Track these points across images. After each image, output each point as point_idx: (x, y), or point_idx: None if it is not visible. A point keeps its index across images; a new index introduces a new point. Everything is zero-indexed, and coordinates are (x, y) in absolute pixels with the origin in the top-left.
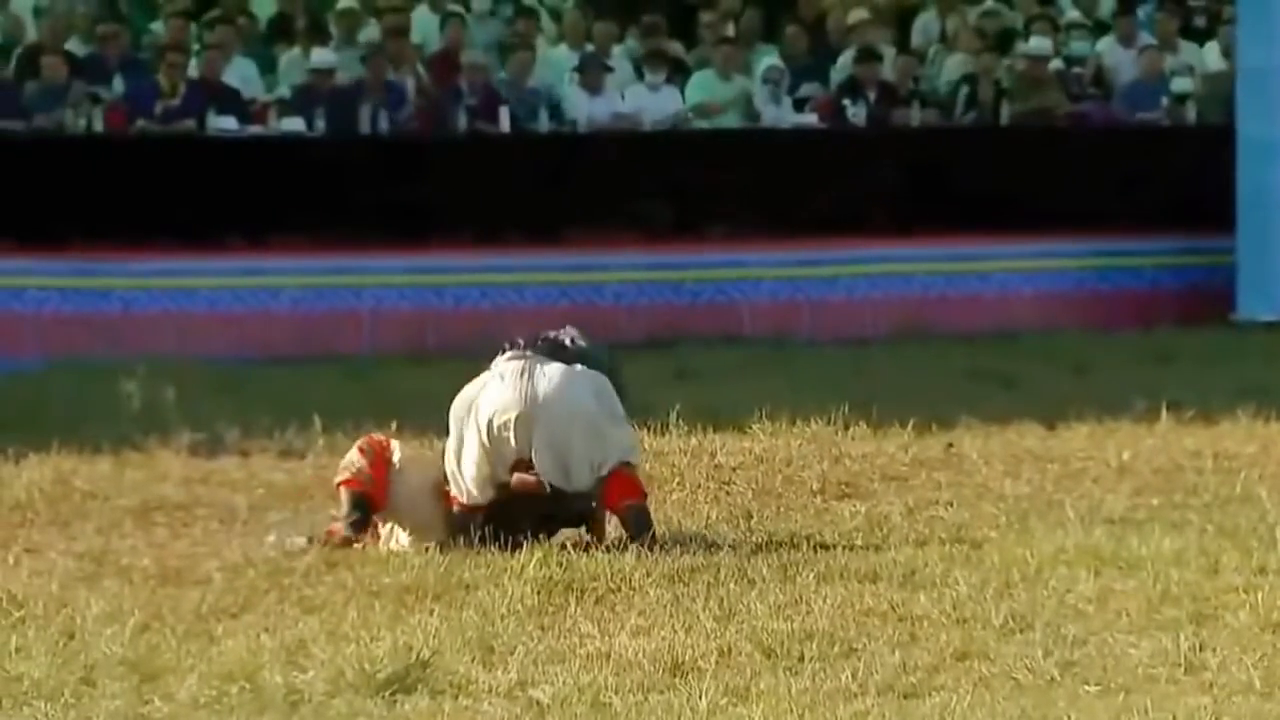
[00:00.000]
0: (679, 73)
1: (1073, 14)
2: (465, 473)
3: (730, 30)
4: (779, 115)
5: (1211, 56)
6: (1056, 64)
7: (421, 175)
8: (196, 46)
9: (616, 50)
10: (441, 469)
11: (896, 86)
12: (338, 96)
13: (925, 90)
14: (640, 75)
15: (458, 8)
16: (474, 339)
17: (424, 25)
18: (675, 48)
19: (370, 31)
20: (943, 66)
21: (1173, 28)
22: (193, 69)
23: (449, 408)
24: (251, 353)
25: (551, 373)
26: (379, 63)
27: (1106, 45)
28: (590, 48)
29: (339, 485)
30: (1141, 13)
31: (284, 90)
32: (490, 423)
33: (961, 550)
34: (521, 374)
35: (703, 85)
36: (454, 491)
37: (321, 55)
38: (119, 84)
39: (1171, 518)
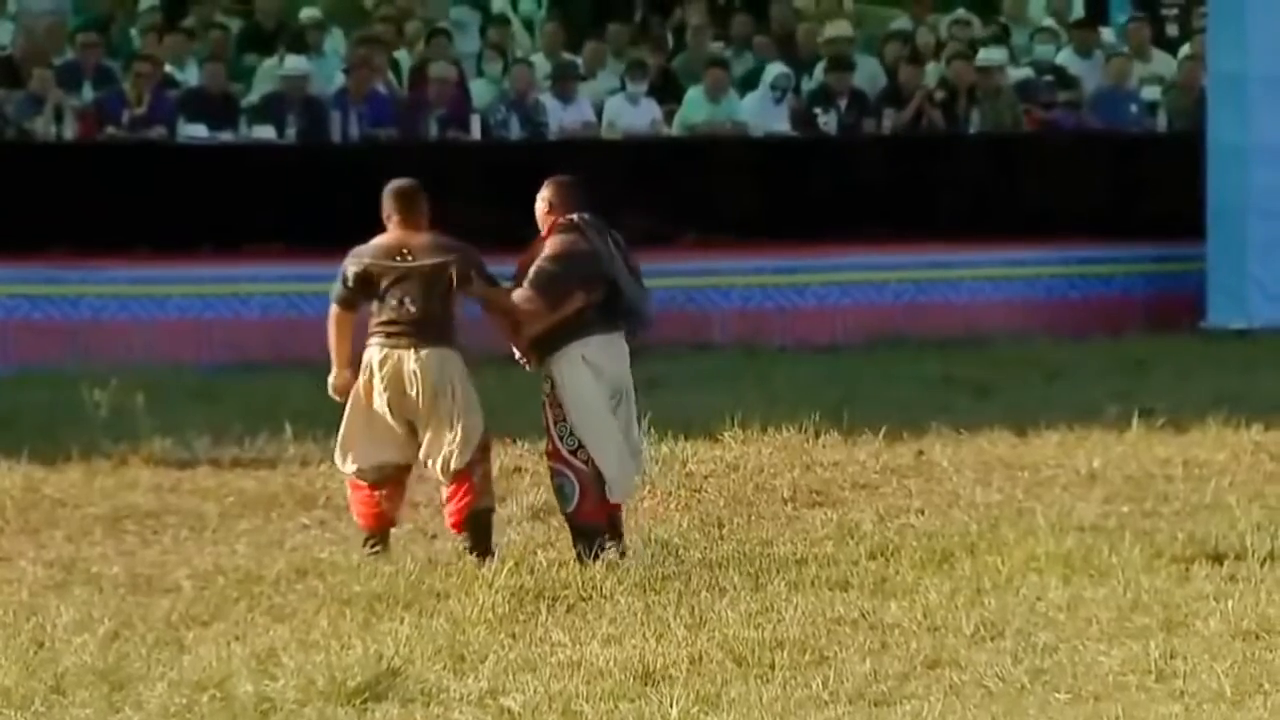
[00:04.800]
0: (666, 84)
1: (1046, 20)
2: (615, 469)
3: (717, 47)
4: (781, 123)
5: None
6: (1026, 72)
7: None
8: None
9: (604, 64)
10: None
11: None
12: (310, 104)
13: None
14: (623, 85)
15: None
16: None
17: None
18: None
19: (336, 41)
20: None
21: (1145, 36)
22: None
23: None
24: (222, 360)
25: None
26: (363, 73)
27: (1065, 55)
28: (567, 56)
29: None
30: (1121, 19)
31: (254, 97)
32: (611, 402)
33: (932, 558)
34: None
35: (694, 106)
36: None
37: (294, 62)
38: (88, 92)
39: (1142, 525)
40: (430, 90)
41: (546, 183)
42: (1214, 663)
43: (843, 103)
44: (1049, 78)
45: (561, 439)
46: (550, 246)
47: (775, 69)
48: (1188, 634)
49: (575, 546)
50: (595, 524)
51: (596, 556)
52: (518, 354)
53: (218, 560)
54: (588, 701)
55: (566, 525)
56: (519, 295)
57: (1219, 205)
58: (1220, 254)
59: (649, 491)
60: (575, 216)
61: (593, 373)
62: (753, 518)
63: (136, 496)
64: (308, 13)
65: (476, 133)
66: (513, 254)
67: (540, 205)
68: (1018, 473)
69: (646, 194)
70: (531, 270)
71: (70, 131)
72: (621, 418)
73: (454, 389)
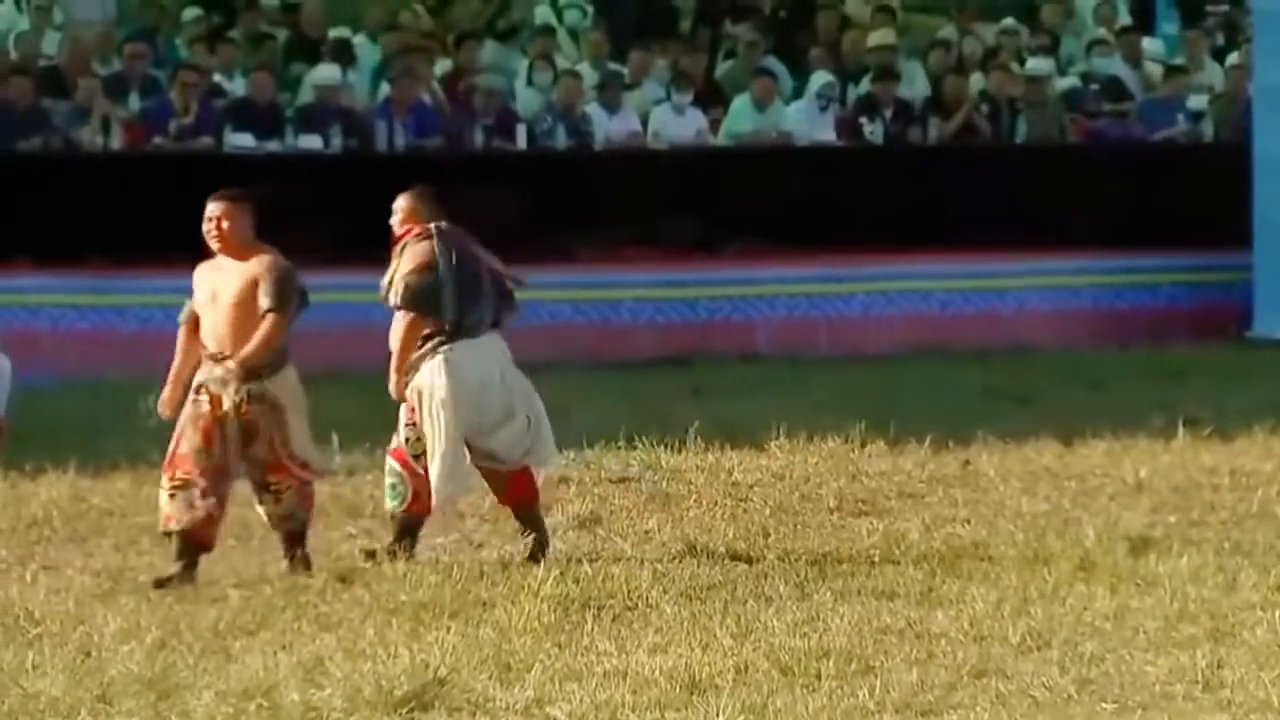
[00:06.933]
0: (711, 94)
1: (1098, 31)
2: (442, 482)
3: (761, 58)
4: (827, 132)
5: (1215, 75)
6: (1073, 81)
7: (437, 192)
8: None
9: (649, 73)
10: None
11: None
12: (346, 114)
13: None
14: (668, 96)
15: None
16: None
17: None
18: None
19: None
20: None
21: (1203, 47)
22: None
23: None
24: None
25: None
26: (406, 83)
27: (1113, 64)
28: (612, 66)
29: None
30: (1167, 28)
31: (291, 110)
32: (474, 406)
33: (979, 568)
34: (477, 351)
35: (741, 116)
36: None
37: (326, 71)
38: (135, 102)
39: (1189, 535)
40: (476, 100)
41: (403, 195)
42: (1261, 672)
43: (888, 112)
44: (1095, 86)
45: (407, 442)
46: (408, 260)
47: (821, 78)
48: (1235, 644)
49: (393, 541)
50: (417, 522)
51: (411, 553)
52: (392, 380)
53: (264, 569)
54: (634, 711)
55: (390, 521)
56: (397, 316)
57: (1265, 215)
58: (1266, 264)
59: (695, 501)
60: (431, 226)
61: (454, 380)
62: (798, 527)
63: None
64: (336, 31)
65: (522, 142)
66: (557, 264)
67: (396, 216)
68: (1064, 482)
69: (692, 203)
70: (399, 288)
71: (117, 141)
72: (493, 414)
73: None
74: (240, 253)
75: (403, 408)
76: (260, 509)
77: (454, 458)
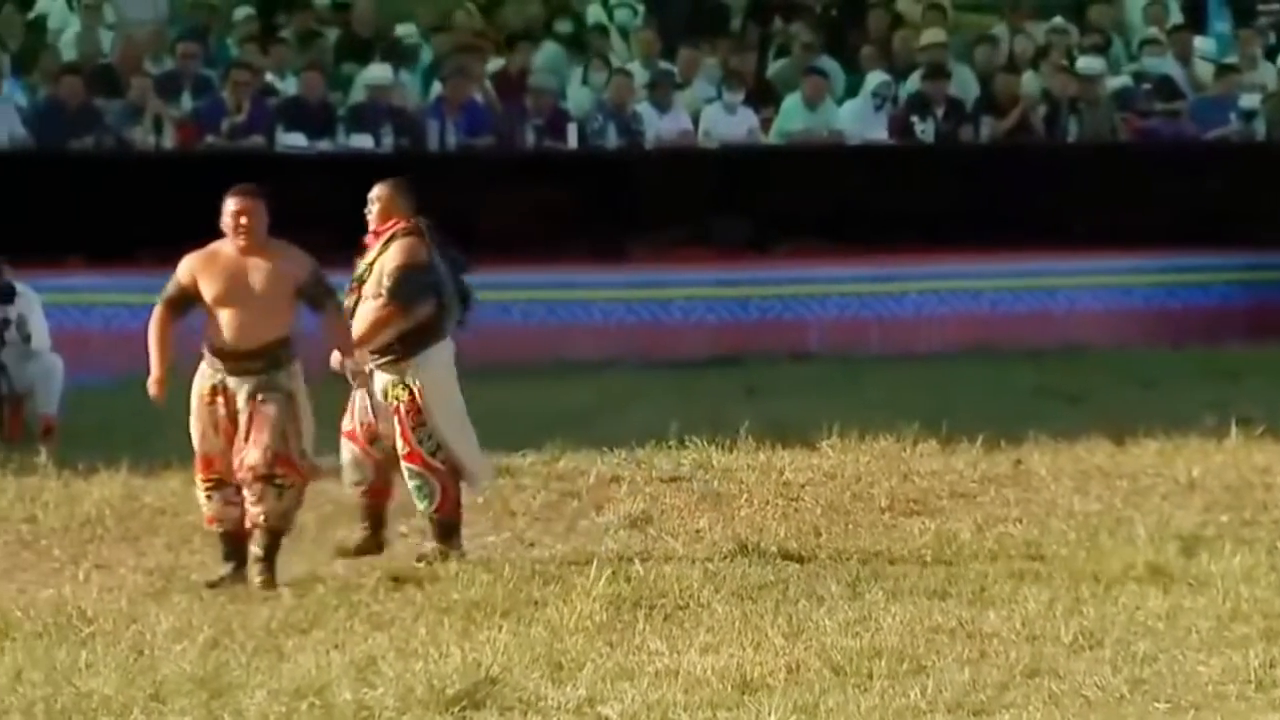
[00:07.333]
0: (762, 92)
1: (1149, 30)
2: (477, 463)
3: (814, 57)
4: (879, 131)
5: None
6: (1125, 80)
7: (489, 192)
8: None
9: (699, 71)
10: None
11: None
12: (397, 114)
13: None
14: (719, 94)
15: None
16: (542, 355)
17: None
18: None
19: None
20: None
21: (1257, 46)
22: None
23: (518, 424)
24: (317, 370)
25: None
26: (459, 82)
27: (1165, 63)
28: (663, 65)
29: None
30: (1219, 26)
31: (343, 109)
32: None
33: (1031, 567)
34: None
35: (792, 114)
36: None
37: (378, 71)
38: (187, 101)
39: (1241, 534)
40: (527, 99)
41: (380, 184)
42: None
43: (940, 111)
44: (1147, 86)
45: (421, 443)
46: (401, 254)
47: (877, 76)
48: None
49: (439, 542)
50: (456, 519)
51: (460, 549)
52: (350, 366)
53: (316, 568)
54: (685, 710)
55: (429, 524)
56: (377, 304)
57: None
58: None
59: (747, 500)
60: (418, 223)
61: (450, 373)
62: (850, 526)
63: None
64: (402, 28)
65: (573, 142)
66: (609, 264)
67: (374, 206)
68: (1116, 481)
69: (743, 203)
70: (387, 279)
71: (169, 140)
72: None
73: None
74: (261, 249)
75: (400, 415)
76: (258, 507)
77: (474, 442)
